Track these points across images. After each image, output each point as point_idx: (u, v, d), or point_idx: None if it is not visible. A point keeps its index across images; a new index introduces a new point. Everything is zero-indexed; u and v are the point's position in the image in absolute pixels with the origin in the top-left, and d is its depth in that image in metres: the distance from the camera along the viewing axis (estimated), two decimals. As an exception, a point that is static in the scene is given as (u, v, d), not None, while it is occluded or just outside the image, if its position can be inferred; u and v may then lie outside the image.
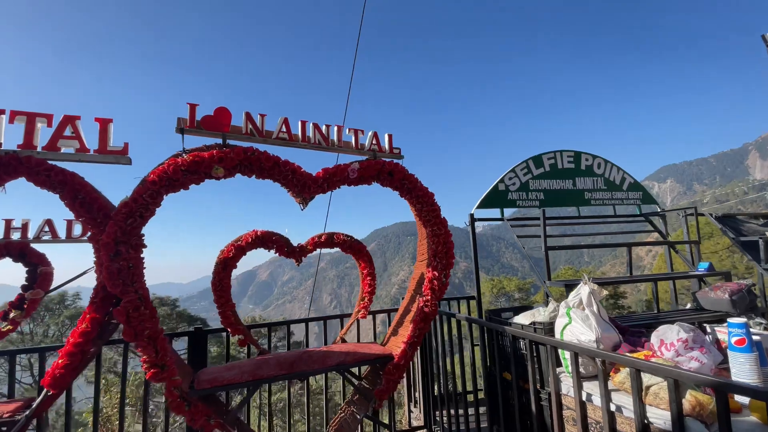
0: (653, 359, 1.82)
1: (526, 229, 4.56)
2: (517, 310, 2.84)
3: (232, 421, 2.29)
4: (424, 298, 2.70)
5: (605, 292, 2.36)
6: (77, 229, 2.70)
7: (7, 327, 2.43)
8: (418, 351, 3.33)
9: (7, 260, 2.54)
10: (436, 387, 3.16)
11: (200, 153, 2.20)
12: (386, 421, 2.75)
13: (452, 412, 2.90)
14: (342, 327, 3.11)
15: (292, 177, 2.39)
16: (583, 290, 2.34)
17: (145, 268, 2.14)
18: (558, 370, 2.20)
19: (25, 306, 2.50)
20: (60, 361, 2.03)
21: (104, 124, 2.27)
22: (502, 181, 4.60)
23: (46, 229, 2.71)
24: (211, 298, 2.76)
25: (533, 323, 2.39)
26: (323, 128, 2.69)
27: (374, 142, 2.83)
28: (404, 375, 3.49)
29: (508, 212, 4.57)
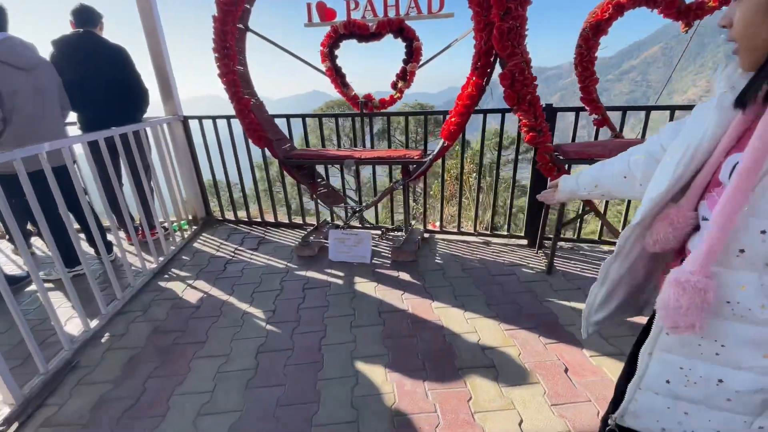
0: None
1: None
2: None
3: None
4: None
5: None
6: (435, 4, 2.82)
7: (397, 95, 3.14)
8: None
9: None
10: None
11: None
12: None
13: None
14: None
15: None
16: None
17: (527, 33, 2.06)
18: None
19: (407, 78, 3.09)
20: (452, 119, 2.44)
21: None
22: None
23: (412, 5, 2.96)
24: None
25: None
26: None
27: None
28: None
29: None
